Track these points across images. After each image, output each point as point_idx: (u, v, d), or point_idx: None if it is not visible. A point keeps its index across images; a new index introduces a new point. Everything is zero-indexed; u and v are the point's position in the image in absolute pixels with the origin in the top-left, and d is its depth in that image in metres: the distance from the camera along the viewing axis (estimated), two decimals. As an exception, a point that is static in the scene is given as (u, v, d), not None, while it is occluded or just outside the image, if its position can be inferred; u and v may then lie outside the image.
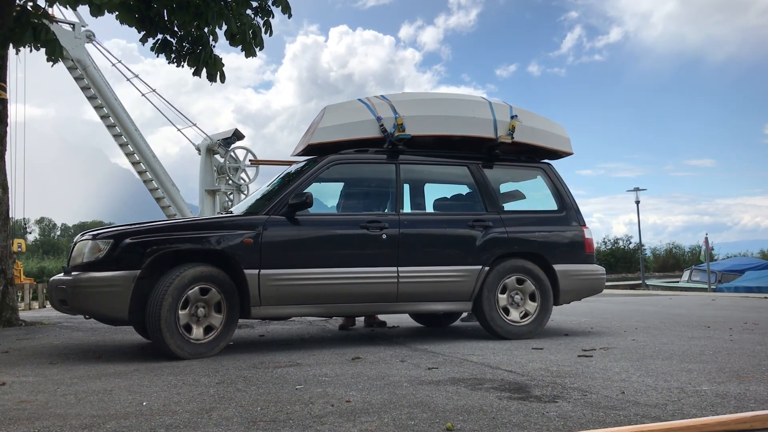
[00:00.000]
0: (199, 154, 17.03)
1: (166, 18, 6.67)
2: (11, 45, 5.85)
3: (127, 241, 4.25)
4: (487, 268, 5.07)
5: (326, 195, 5.56)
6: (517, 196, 5.72)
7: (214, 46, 6.95)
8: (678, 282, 29.52)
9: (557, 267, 5.26)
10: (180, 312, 4.18)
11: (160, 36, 6.88)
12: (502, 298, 5.12)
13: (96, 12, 5.61)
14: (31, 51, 5.90)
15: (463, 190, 5.61)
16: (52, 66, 6.48)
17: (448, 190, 5.71)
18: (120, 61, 17.33)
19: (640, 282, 30.47)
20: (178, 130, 17.84)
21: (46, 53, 5.79)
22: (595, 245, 5.82)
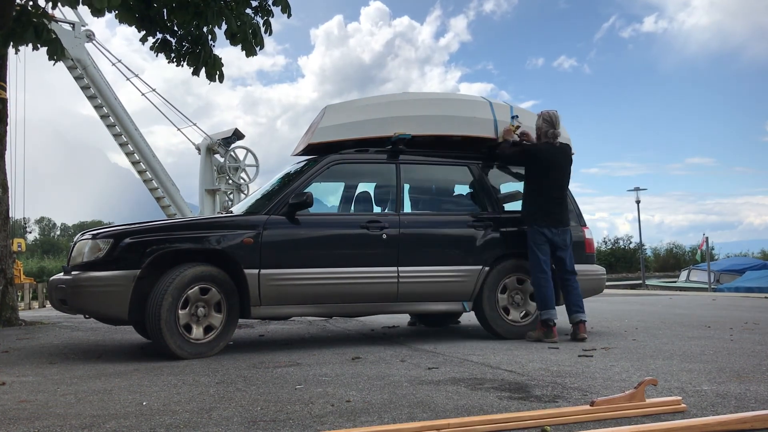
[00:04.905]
0: (199, 153, 17.04)
1: (165, 17, 6.66)
2: (11, 44, 5.84)
3: (127, 240, 4.25)
4: (487, 268, 5.06)
5: (326, 195, 5.56)
6: (517, 196, 5.71)
7: (213, 46, 6.95)
8: (676, 282, 29.51)
9: (557, 267, 5.25)
10: (180, 312, 4.18)
11: (159, 35, 6.87)
12: (503, 298, 5.12)
13: (96, 13, 5.60)
14: (34, 50, 5.90)
15: (464, 190, 5.60)
16: (54, 65, 6.47)
17: (449, 190, 5.71)
18: (120, 61, 17.33)
19: (641, 282, 30.46)
20: (178, 129, 17.86)
21: (48, 53, 5.79)
22: (596, 245, 5.83)
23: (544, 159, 5.09)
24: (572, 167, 5.28)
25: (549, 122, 5.12)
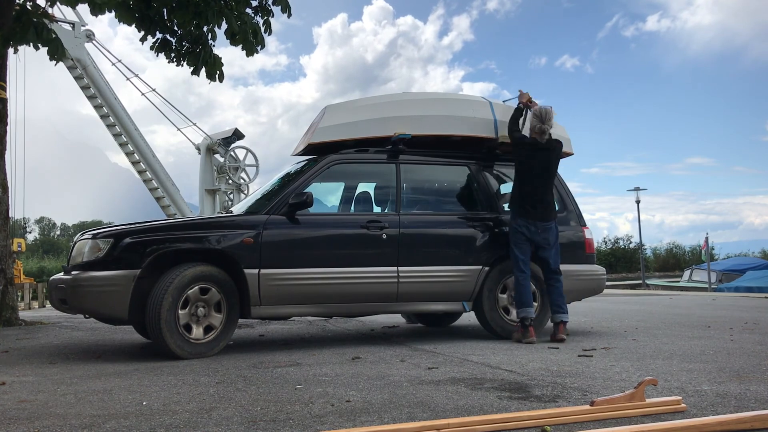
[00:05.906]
0: (199, 153, 17.05)
1: (165, 17, 6.67)
2: (11, 44, 5.86)
3: (127, 240, 4.25)
4: (487, 268, 5.07)
5: (326, 195, 5.55)
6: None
7: (213, 46, 6.96)
8: (678, 281, 29.53)
9: (557, 267, 5.24)
10: (180, 312, 4.18)
11: (159, 35, 6.88)
12: (503, 298, 5.12)
13: (96, 11, 5.60)
14: (36, 50, 5.91)
15: (463, 190, 5.60)
16: (56, 65, 6.50)
17: (449, 190, 5.70)
18: (120, 61, 17.34)
19: (641, 282, 30.48)
20: (178, 129, 17.86)
21: (49, 53, 5.80)
22: (596, 245, 5.82)
23: (523, 154, 5.06)
24: (560, 162, 5.20)
25: (538, 117, 5.06)
